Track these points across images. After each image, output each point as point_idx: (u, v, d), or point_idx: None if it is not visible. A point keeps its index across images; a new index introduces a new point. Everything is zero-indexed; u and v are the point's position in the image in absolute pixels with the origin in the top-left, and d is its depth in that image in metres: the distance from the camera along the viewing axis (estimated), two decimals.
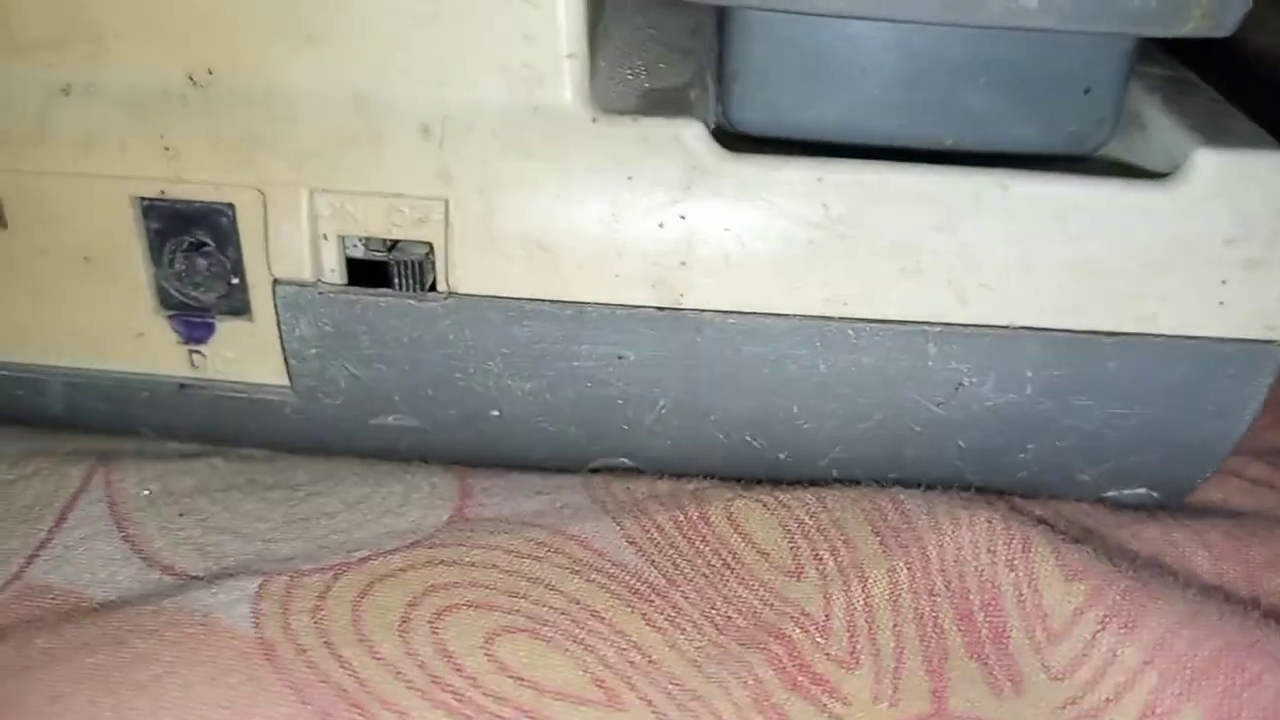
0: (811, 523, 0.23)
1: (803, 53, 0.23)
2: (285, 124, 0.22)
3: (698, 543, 0.23)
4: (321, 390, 0.24)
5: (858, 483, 0.25)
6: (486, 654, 0.20)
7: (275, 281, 0.23)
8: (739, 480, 0.25)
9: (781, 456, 0.25)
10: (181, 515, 0.24)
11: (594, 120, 0.22)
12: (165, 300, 0.24)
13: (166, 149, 0.22)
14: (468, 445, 0.25)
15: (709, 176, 0.22)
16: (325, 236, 0.23)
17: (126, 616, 0.20)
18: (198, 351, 0.25)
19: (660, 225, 0.22)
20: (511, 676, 0.19)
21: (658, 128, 0.22)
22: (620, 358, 0.23)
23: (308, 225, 0.22)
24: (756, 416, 0.24)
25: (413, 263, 0.22)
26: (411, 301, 0.23)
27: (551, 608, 0.21)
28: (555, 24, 0.21)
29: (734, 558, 0.22)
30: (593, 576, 0.21)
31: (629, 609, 0.21)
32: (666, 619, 0.21)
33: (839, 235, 0.22)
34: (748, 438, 0.24)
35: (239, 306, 0.24)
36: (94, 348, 0.25)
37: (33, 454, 0.26)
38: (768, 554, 0.22)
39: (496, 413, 0.24)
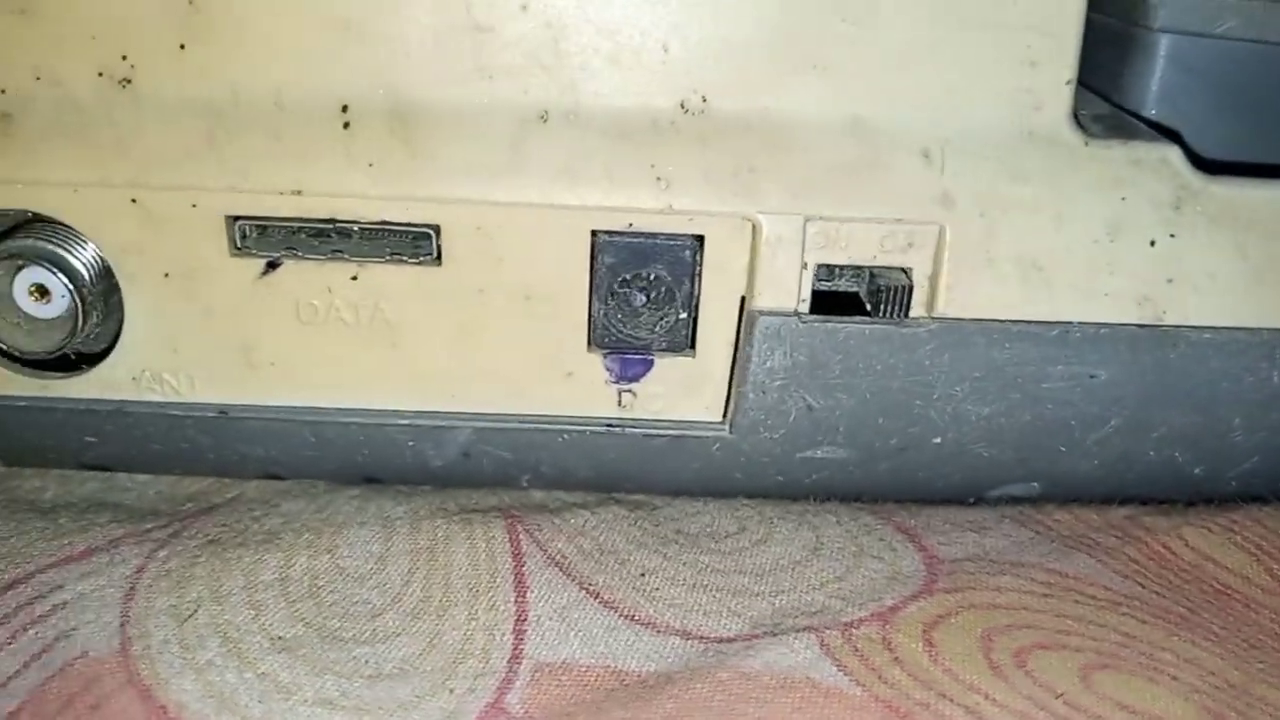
0: (1265, 544, 0.24)
1: (1210, 78, 0.24)
2: (784, 151, 0.21)
3: (1179, 571, 0.23)
4: (765, 424, 0.23)
5: (1264, 498, 0.26)
6: (1092, 692, 0.19)
7: (758, 313, 0.22)
8: (1141, 500, 0.26)
9: (1196, 472, 0.25)
10: (643, 575, 0.22)
11: (1086, 144, 0.22)
12: (601, 338, 0.23)
13: (658, 179, 0.21)
14: (885, 475, 0.25)
15: (1195, 196, 0.22)
16: (805, 265, 0.22)
17: (711, 687, 0.19)
18: (628, 390, 0.24)
19: (1152, 244, 0.22)
20: (1130, 711, 0.19)
21: (1146, 150, 0.22)
22: (1091, 377, 0.23)
23: (799, 254, 0.22)
24: (1196, 431, 0.24)
25: (899, 288, 0.22)
26: (895, 328, 0.22)
27: (1113, 642, 0.20)
28: (1063, 50, 0.21)
29: (1218, 582, 0.23)
30: (1123, 611, 0.21)
31: (1179, 638, 0.21)
32: (1216, 644, 0.21)
33: None
34: (1176, 454, 0.25)
35: (680, 342, 0.23)
36: (515, 391, 0.24)
37: (425, 515, 0.24)
38: (1247, 577, 0.23)
39: (938, 440, 0.24)
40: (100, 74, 0.21)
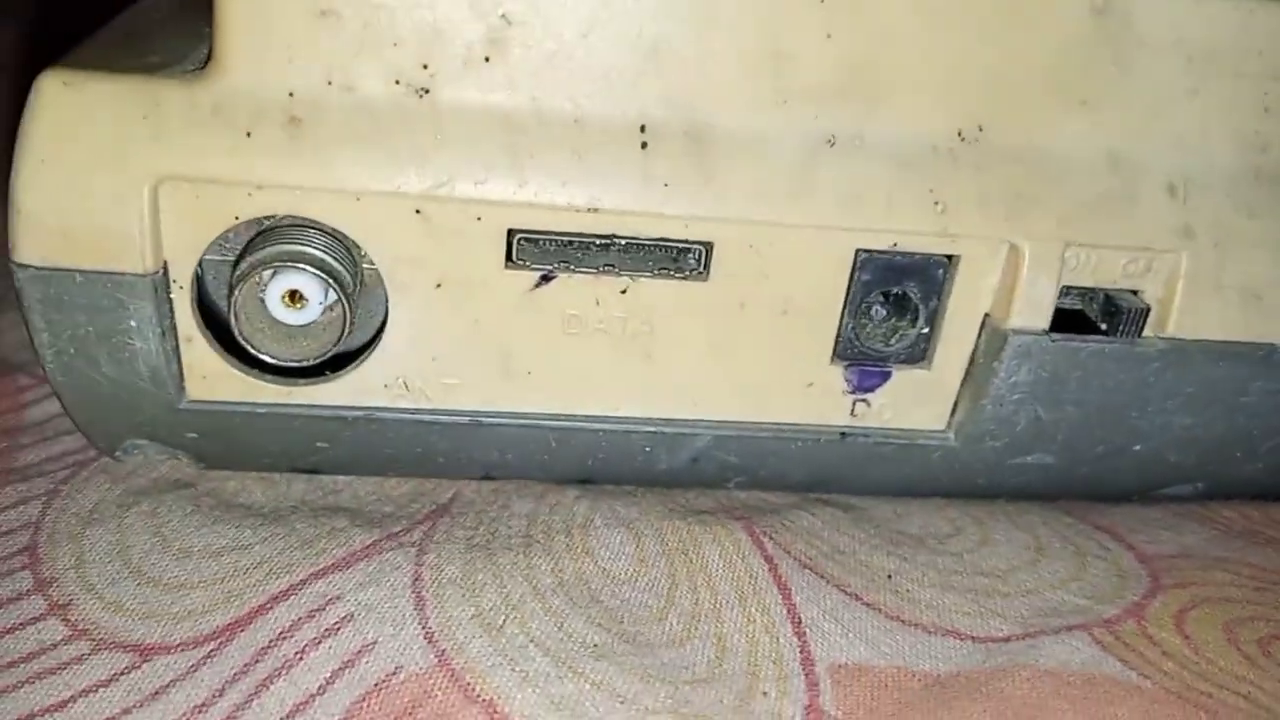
0: None
1: None
2: (1052, 181, 0.23)
3: None
4: (992, 433, 0.25)
5: None
6: None
7: (1011, 331, 0.23)
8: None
9: None
10: (890, 578, 0.24)
11: None
12: (844, 351, 0.24)
13: (936, 204, 0.22)
14: (1077, 477, 0.27)
15: None
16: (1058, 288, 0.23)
17: (1024, 686, 0.20)
18: (863, 400, 0.25)
19: None
20: None
21: None
22: (1276, 392, 0.25)
23: (1056, 278, 0.23)
24: None
25: (1137, 310, 0.24)
26: (1129, 347, 0.24)
27: None
28: None
29: None
30: None
31: None
32: None
33: None
34: None
35: (916, 355, 0.24)
36: (756, 400, 0.24)
37: (658, 516, 0.25)
38: None
39: (1138, 447, 0.26)
40: (397, 81, 0.21)
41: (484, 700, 0.19)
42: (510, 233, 0.22)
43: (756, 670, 0.21)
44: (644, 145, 0.21)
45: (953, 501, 0.27)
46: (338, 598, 0.22)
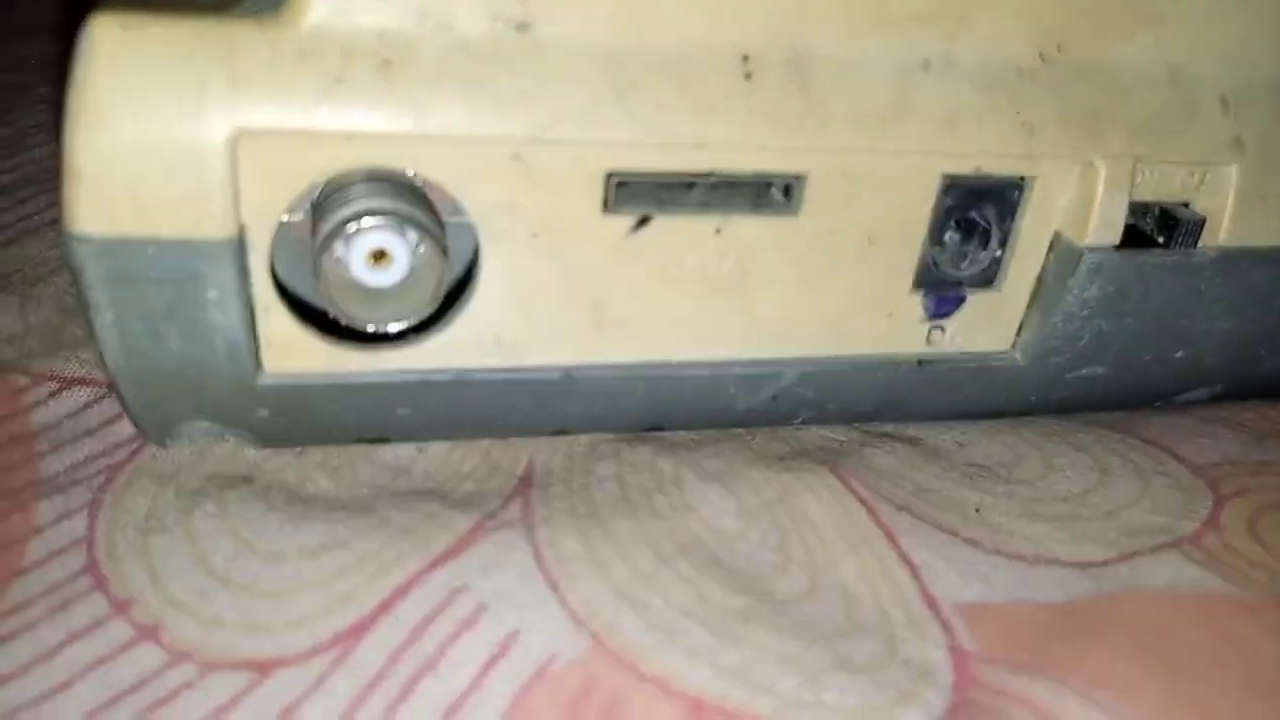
0: None
1: None
2: (1121, 98, 0.23)
3: None
4: (1057, 350, 0.25)
5: None
6: None
7: (1085, 249, 0.24)
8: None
9: None
10: (978, 511, 0.24)
11: None
12: (922, 278, 0.24)
13: (1023, 125, 0.23)
14: (1119, 387, 0.28)
15: None
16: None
17: (1145, 607, 0.21)
18: (938, 327, 0.25)
19: None
20: None
21: None
22: None
23: (1127, 194, 0.24)
24: None
25: (1194, 222, 0.25)
26: (1186, 258, 0.25)
27: None
28: None
29: None
30: None
31: None
32: None
33: None
34: None
35: (989, 278, 0.25)
36: (839, 333, 0.24)
37: (742, 465, 0.25)
38: None
39: (1180, 354, 0.27)
40: (495, 18, 0.19)
41: (655, 679, 0.19)
42: (608, 175, 0.21)
43: (888, 617, 0.21)
44: (747, 76, 0.21)
45: (1002, 425, 0.27)
46: (464, 588, 0.20)
